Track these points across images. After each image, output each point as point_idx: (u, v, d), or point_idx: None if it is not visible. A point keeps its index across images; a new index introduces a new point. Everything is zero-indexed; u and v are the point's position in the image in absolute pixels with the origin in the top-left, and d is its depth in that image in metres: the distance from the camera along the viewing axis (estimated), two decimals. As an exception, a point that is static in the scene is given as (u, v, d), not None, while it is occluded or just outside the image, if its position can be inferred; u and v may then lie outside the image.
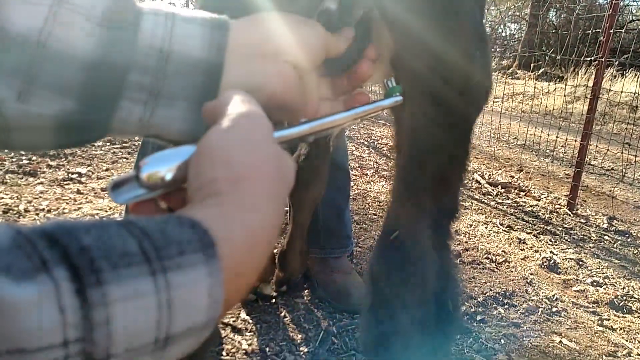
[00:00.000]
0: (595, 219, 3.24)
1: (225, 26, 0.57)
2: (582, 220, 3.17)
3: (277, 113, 0.60)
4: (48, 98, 0.50)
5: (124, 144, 3.32)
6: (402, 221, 0.79)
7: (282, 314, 1.74)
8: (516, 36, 13.83)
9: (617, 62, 7.12)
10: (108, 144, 3.29)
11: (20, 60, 0.48)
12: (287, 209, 2.07)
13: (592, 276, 2.38)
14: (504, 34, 14.04)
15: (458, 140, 0.82)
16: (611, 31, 2.96)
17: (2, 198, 2.28)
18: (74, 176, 2.63)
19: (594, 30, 3.47)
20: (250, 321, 1.68)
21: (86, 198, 2.42)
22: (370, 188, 3.22)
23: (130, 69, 0.52)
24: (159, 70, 0.53)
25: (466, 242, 2.59)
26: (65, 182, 2.54)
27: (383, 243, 0.79)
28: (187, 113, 0.56)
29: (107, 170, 2.80)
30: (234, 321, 1.66)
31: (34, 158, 2.75)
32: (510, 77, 9.11)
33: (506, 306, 2.01)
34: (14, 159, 2.68)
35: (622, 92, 4.25)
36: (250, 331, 1.63)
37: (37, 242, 0.29)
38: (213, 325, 0.38)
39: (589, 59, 3.55)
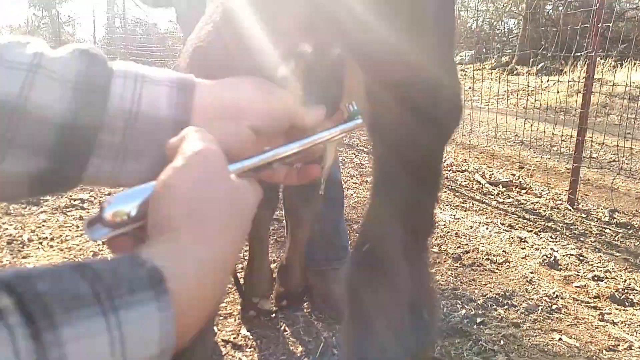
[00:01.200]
0: (597, 212, 3.24)
1: (191, 87, 0.61)
2: (583, 215, 3.18)
3: None
4: (22, 157, 0.54)
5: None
6: (373, 233, 0.82)
7: (282, 328, 1.77)
8: (514, 32, 13.82)
9: (615, 52, 7.11)
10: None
11: None
12: (284, 224, 2.10)
13: (593, 271, 2.39)
14: (501, 31, 14.04)
15: (429, 158, 0.85)
16: (599, 25, 2.98)
17: (7, 229, 2.33)
18: (76, 202, 2.68)
19: (582, 26, 3.48)
20: (251, 337, 1.71)
21: (89, 224, 2.46)
22: (369, 195, 3.24)
23: (100, 129, 0.56)
24: (127, 130, 0.57)
25: (467, 244, 2.61)
26: (67, 209, 2.59)
27: (356, 255, 0.82)
28: (153, 167, 0.59)
29: (109, 194, 2.85)
30: (234, 338, 1.69)
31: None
32: (509, 73, 9.11)
33: (506, 307, 2.02)
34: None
35: (613, 85, 4.25)
36: (250, 347, 1.66)
37: None
38: (167, 354, 0.41)
39: (579, 54, 3.56)
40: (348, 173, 3.62)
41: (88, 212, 2.59)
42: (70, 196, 2.75)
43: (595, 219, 3.12)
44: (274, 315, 1.82)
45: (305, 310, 1.90)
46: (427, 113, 0.79)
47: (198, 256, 0.45)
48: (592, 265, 2.46)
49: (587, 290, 2.21)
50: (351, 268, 0.80)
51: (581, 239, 2.80)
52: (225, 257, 0.48)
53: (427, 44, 0.78)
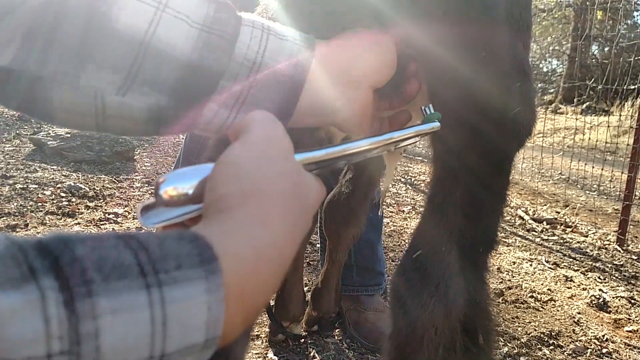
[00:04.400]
0: (648, 255, 3.06)
1: (312, 47, 0.60)
2: (634, 257, 3.00)
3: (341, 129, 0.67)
4: (144, 93, 0.54)
5: (161, 185, 3.36)
6: (426, 241, 0.75)
7: (312, 354, 1.68)
8: (558, 71, 13.65)
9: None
10: (146, 185, 3.35)
11: (124, 56, 0.52)
12: (319, 245, 2.03)
13: (646, 315, 2.22)
14: (545, 70, 13.88)
15: (493, 169, 0.78)
16: (654, 58, 2.85)
17: (41, 238, 2.32)
18: (110, 216, 2.67)
19: (636, 58, 3.36)
20: (278, 362, 1.62)
21: (121, 237, 2.44)
22: (406, 225, 3.14)
23: (223, 75, 0.56)
24: (248, 80, 0.57)
25: (509, 280, 2.48)
26: (101, 223, 2.58)
27: (405, 263, 0.74)
28: None
29: (143, 210, 2.83)
30: (260, 361, 1.61)
31: (73, 200, 2.81)
32: (553, 112, 8.93)
33: (552, 347, 1.88)
34: (54, 201, 2.74)
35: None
36: (277, 372, 1.57)
37: (29, 251, 0.29)
38: (213, 346, 0.35)
39: (632, 87, 3.43)
40: (384, 202, 3.53)
41: (121, 227, 2.57)
42: (105, 210, 2.75)
43: (647, 262, 2.93)
44: (303, 340, 1.74)
45: (336, 337, 1.81)
46: (495, 117, 0.72)
47: (254, 238, 0.39)
48: (644, 309, 2.29)
49: (639, 336, 2.05)
50: (399, 277, 0.72)
51: (632, 281, 2.63)
52: (284, 245, 0.42)
53: (498, 41, 0.72)
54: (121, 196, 3.04)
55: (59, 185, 2.96)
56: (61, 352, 0.27)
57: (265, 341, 1.72)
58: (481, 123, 0.72)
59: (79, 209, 2.71)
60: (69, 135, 3.69)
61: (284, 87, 0.58)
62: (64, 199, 2.80)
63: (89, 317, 0.29)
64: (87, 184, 3.10)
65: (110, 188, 3.14)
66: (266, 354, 1.65)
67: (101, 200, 2.90)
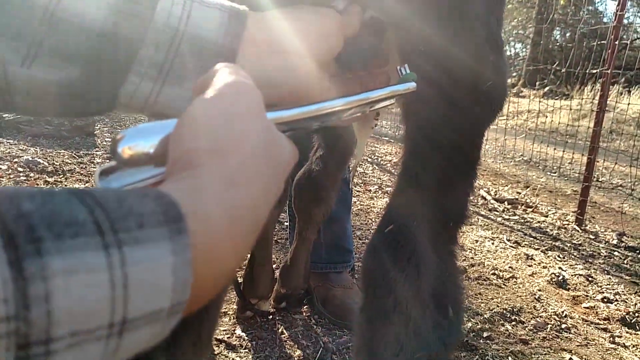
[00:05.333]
0: (605, 235, 3.16)
1: (243, 15, 0.57)
2: (591, 236, 3.10)
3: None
4: (52, 64, 0.50)
5: (124, 161, 3.29)
6: (398, 215, 0.74)
7: (280, 331, 1.68)
8: (521, 55, 13.87)
9: (623, 79, 7.08)
10: (107, 160, 3.26)
11: (27, 24, 0.48)
12: (288, 223, 2.02)
13: (603, 292, 2.30)
14: (508, 53, 14.07)
15: (466, 143, 0.78)
16: (616, 42, 2.92)
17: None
18: (71, 192, 2.60)
19: (598, 42, 3.43)
20: (246, 338, 1.61)
21: (83, 214, 2.38)
22: (373, 204, 3.16)
23: (143, 44, 0.52)
24: (171, 49, 0.53)
25: (472, 257, 2.52)
26: (62, 198, 2.51)
27: (377, 237, 0.74)
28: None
29: (105, 186, 2.77)
30: (228, 338, 1.60)
31: (31, 175, 2.72)
32: (515, 95, 9.09)
33: (513, 323, 1.93)
34: (11, 176, 2.65)
35: (629, 104, 4.20)
36: (245, 348, 1.56)
37: None
38: (180, 311, 0.33)
39: (594, 71, 3.51)
40: (353, 179, 3.54)
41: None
42: (65, 185, 2.67)
43: (604, 241, 3.04)
44: (271, 317, 1.73)
45: (304, 313, 1.81)
46: (469, 89, 0.72)
47: (223, 197, 0.36)
48: (601, 286, 2.38)
49: (596, 312, 2.13)
50: (371, 251, 0.72)
51: (589, 260, 2.71)
52: (255, 207, 0.39)
53: (473, 12, 0.71)
54: (81, 172, 2.96)
55: (16, 160, 2.86)
56: (7, 317, 0.24)
57: (233, 318, 1.71)
58: (455, 95, 0.71)
59: (37, 185, 2.62)
60: (26, 108, 3.56)
61: (214, 54, 0.54)
62: (21, 174, 2.70)
63: (39, 279, 0.25)
64: (46, 158, 3.00)
65: (70, 163, 3.05)
66: (234, 330, 1.65)
67: (61, 176, 2.81)
